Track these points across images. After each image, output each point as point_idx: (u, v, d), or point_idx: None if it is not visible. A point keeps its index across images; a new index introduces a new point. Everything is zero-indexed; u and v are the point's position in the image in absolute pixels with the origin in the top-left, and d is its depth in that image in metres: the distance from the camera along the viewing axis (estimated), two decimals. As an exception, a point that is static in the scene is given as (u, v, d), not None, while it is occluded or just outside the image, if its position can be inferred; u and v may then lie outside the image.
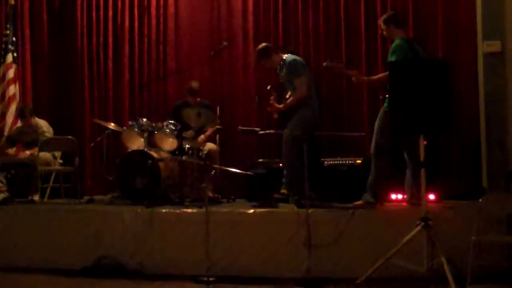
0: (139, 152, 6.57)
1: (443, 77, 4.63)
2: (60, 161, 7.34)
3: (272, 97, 6.42)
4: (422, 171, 4.65)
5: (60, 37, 8.51)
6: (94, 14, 8.35)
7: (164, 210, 5.74)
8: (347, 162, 6.40)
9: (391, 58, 5.42)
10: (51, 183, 7.33)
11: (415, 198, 5.46)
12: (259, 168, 6.79)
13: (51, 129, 7.34)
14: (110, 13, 8.29)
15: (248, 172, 6.35)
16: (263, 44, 6.56)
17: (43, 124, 7.31)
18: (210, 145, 6.94)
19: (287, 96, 6.35)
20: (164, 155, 6.68)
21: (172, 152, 6.76)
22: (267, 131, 6.94)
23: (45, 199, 7.12)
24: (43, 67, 8.51)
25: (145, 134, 6.74)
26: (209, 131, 7.02)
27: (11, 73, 8.10)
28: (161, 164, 6.41)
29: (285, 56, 6.39)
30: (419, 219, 4.54)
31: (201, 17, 8.02)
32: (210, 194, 6.37)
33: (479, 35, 6.66)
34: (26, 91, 8.42)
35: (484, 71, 6.58)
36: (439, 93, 4.55)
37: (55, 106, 8.41)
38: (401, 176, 5.87)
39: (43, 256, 5.79)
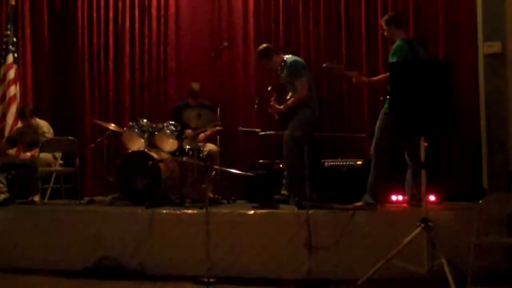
0: (140, 153, 6.58)
1: (444, 78, 4.63)
2: (61, 161, 7.35)
3: (272, 98, 6.41)
4: (423, 172, 4.65)
5: (60, 38, 8.52)
6: (94, 14, 8.36)
7: (164, 211, 5.74)
8: (347, 163, 6.39)
9: (392, 59, 5.42)
10: (51, 184, 7.33)
11: (416, 199, 5.46)
12: (260, 169, 6.78)
13: (51, 130, 7.35)
14: (111, 14, 8.30)
15: (249, 173, 6.35)
16: (264, 45, 6.56)
17: (43, 124, 7.32)
18: (210, 146, 6.94)
19: (288, 97, 6.35)
20: (165, 156, 6.69)
21: (172, 153, 6.76)
22: (268, 132, 6.94)
23: (46, 200, 7.12)
24: (44, 68, 8.52)
25: (146, 135, 6.74)
26: (209, 131, 7.03)
27: (11, 74, 8.11)
28: (161, 165, 6.41)
29: (286, 57, 6.39)
30: (419, 220, 4.54)
31: (202, 18, 8.03)
32: (211, 195, 6.37)
33: (480, 36, 6.66)
34: (26, 92, 8.42)
35: (485, 72, 6.58)
36: (439, 94, 4.55)
37: (56, 107, 8.42)
38: (401, 177, 5.87)
39: (44, 257, 5.79)
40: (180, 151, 6.64)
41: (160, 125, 6.81)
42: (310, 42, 7.49)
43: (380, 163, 5.55)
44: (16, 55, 8.22)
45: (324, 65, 5.93)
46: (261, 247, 5.35)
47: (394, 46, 5.55)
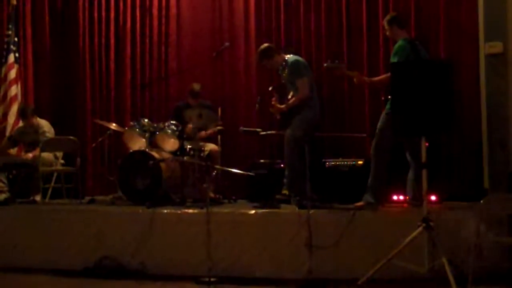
0: (141, 153, 6.58)
1: (445, 78, 4.62)
2: (62, 161, 7.35)
3: (274, 98, 6.41)
4: (424, 172, 4.64)
5: (62, 38, 8.54)
6: (96, 14, 8.38)
7: (165, 211, 5.74)
8: (348, 163, 6.39)
9: (394, 59, 5.42)
10: (52, 184, 7.34)
11: (417, 199, 5.46)
12: (261, 169, 6.79)
13: (52, 130, 7.35)
14: (112, 14, 8.31)
15: (250, 173, 6.35)
16: (265, 44, 6.56)
17: (44, 124, 7.32)
18: (211, 146, 6.94)
19: (289, 96, 6.34)
20: (166, 155, 6.69)
21: (173, 153, 6.77)
22: (269, 132, 6.94)
23: (47, 200, 7.13)
24: (45, 68, 8.54)
25: (147, 135, 6.74)
26: (210, 131, 7.03)
27: (13, 74, 8.14)
28: (162, 165, 6.41)
29: (287, 57, 6.39)
30: (420, 220, 4.53)
31: (203, 18, 8.04)
32: (212, 195, 6.37)
33: (481, 36, 6.66)
34: (28, 92, 8.45)
35: (486, 72, 6.57)
36: (441, 94, 4.55)
37: (57, 107, 8.44)
38: (402, 177, 5.86)
39: (44, 257, 5.79)
40: (181, 150, 6.64)
41: (161, 125, 6.81)
42: (311, 42, 7.49)
43: (381, 162, 5.54)
44: (17, 55, 8.24)
45: (325, 64, 5.93)
46: (262, 247, 5.35)
47: (396, 46, 5.56)
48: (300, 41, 7.51)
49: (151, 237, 5.57)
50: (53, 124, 7.49)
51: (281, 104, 6.35)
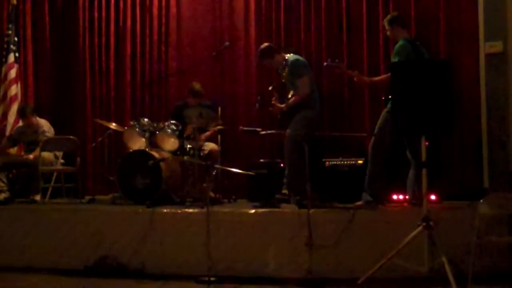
0: (141, 152, 6.57)
1: (445, 77, 4.62)
2: (62, 161, 7.36)
3: (274, 98, 6.42)
4: (424, 171, 4.64)
5: (61, 37, 8.54)
6: (96, 14, 8.38)
7: (165, 210, 5.74)
8: (348, 162, 6.38)
9: (395, 59, 5.42)
10: (52, 183, 7.35)
11: (417, 198, 5.46)
12: (261, 168, 6.78)
13: (52, 129, 7.35)
14: (112, 14, 8.32)
15: (250, 172, 6.34)
16: (266, 44, 6.57)
17: (44, 123, 7.32)
18: (211, 145, 6.94)
19: (289, 96, 6.35)
20: (166, 155, 6.68)
21: (173, 152, 6.76)
22: (269, 131, 6.92)
23: (47, 199, 7.13)
24: (45, 67, 8.54)
25: (147, 134, 6.74)
26: (210, 132, 7.02)
27: (13, 73, 8.15)
28: (162, 164, 6.40)
29: (287, 56, 6.39)
30: (420, 220, 4.53)
31: (203, 17, 8.04)
32: (212, 194, 6.38)
33: (481, 36, 6.66)
34: (27, 91, 8.45)
35: (486, 71, 6.57)
36: (441, 94, 4.55)
37: (57, 106, 8.45)
38: (402, 176, 5.87)
39: (44, 256, 5.79)
40: (181, 150, 6.64)
41: (161, 125, 6.81)
42: (311, 41, 7.49)
43: (379, 161, 5.56)
44: (17, 54, 8.25)
45: (325, 63, 5.94)
46: (262, 246, 5.35)
47: (397, 46, 5.56)
48: (300, 41, 7.51)
49: (151, 236, 5.57)
50: (53, 123, 7.50)
51: (281, 103, 6.36)
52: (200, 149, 6.65)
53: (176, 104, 7.35)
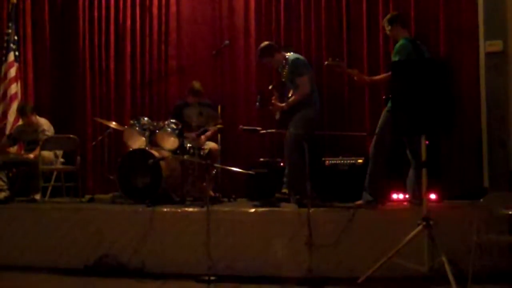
0: (141, 151, 6.58)
1: (445, 76, 4.62)
2: (62, 160, 7.36)
3: (274, 97, 6.41)
4: (423, 171, 4.64)
5: (61, 36, 8.53)
6: (96, 13, 8.37)
7: (165, 209, 5.74)
8: (348, 161, 6.38)
9: (395, 58, 5.42)
10: (52, 182, 7.35)
11: (417, 197, 5.46)
12: (261, 167, 6.79)
13: (51, 128, 7.35)
14: (112, 13, 8.31)
15: (250, 171, 6.34)
16: (266, 42, 6.57)
17: (44, 122, 7.32)
18: (211, 144, 6.94)
19: (289, 95, 6.34)
20: (166, 154, 6.68)
21: (173, 151, 6.76)
22: (269, 130, 6.92)
23: (47, 198, 7.13)
24: (45, 66, 8.54)
25: (147, 133, 6.74)
26: (210, 132, 7.02)
27: (12, 72, 8.14)
28: (162, 163, 6.40)
29: (287, 55, 6.39)
30: (420, 219, 4.54)
31: (203, 16, 8.02)
32: (211, 193, 6.39)
33: (481, 35, 6.65)
34: (27, 90, 8.45)
35: (486, 70, 6.57)
36: (441, 93, 4.54)
37: (57, 105, 8.44)
38: (403, 175, 5.87)
39: (44, 255, 5.79)
40: (181, 149, 6.63)
41: (161, 124, 6.81)
42: (311, 40, 7.48)
43: (380, 160, 5.55)
44: (17, 53, 8.24)
45: (326, 62, 5.94)
46: (261, 246, 5.35)
47: (398, 45, 5.55)
48: (300, 40, 7.50)
49: (151, 235, 5.58)
50: (53, 122, 7.49)
51: (281, 102, 6.35)
52: (200, 148, 6.65)
53: (176, 103, 7.35)
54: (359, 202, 5.58)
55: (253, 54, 7.49)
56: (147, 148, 6.62)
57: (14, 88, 8.11)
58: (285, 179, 6.24)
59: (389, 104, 5.48)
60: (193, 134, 6.69)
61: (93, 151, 8.12)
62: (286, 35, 7.60)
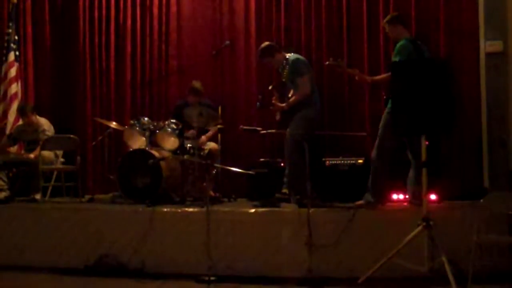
0: (141, 151, 6.58)
1: (446, 77, 4.62)
2: (62, 160, 7.36)
3: (274, 97, 6.41)
4: (423, 171, 4.64)
5: (62, 36, 8.52)
6: (96, 13, 8.36)
7: (165, 209, 5.74)
8: (348, 161, 6.38)
9: (395, 58, 5.41)
10: (52, 182, 7.35)
11: (417, 198, 5.46)
12: (261, 168, 6.78)
13: (52, 128, 7.35)
14: (112, 12, 8.29)
15: (250, 172, 6.34)
16: (267, 42, 6.57)
17: (44, 122, 7.32)
18: (211, 144, 6.94)
19: (290, 95, 6.34)
20: (166, 154, 6.68)
21: (173, 151, 6.76)
22: (269, 131, 6.93)
23: (47, 198, 7.13)
24: (45, 66, 8.53)
25: (147, 133, 6.74)
26: (211, 132, 7.02)
27: (13, 72, 8.13)
28: (162, 163, 6.41)
29: (288, 55, 6.39)
30: (420, 219, 4.54)
31: (203, 17, 8.02)
32: (211, 193, 6.38)
33: (481, 35, 6.65)
34: (28, 90, 8.44)
35: (486, 71, 6.56)
36: (441, 93, 4.55)
37: (57, 105, 8.43)
38: (403, 176, 5.86)
39: (44, 255, 5.80)
40: (181, 149, 6.64)
41: (161, 124, 6.81)
42: (312, 41, 7.47)
43: (383, 162, 5.54)
44: (17, 53, 8.23)
45: (327, 62, 5.94)
46: (261, 246, 5.35)
47: (398, 45, 5.55)
48: (301, 40, 7.49)
49: (151, 235, 5.58)
50: (53, 122, 7.49)
51: (281, 102, 6.35)
52: (200, 148, 6.65)
53: (177, 103, 7.34)
54: (359, 202, 5.58)
55: (254, 55, 7.49)
56: (147, 148, 6.62)
57: (15, 88, 8.11)
58: (285, 179, 6.24)
59: (389, 105, 5.47)
60: (193, 131, 6.69)
61: (93, 151, 8.11)
62: (286, 36, 7.59)
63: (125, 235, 5.64)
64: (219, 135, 6.86)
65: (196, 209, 5.64)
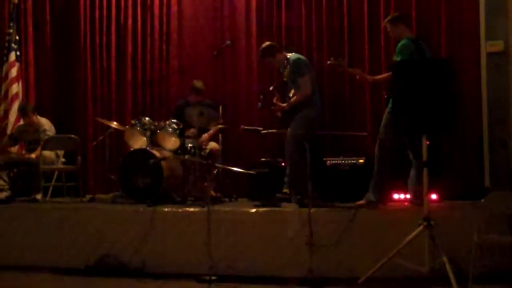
0: (142, 151, 6.58)
1: (447, 76, 4.61)
2: (63, 160, 7.36)
3: (275, 97, 6.41)
4: (424, 171, 4.64)
5: (63, 36, 8.52)
6: (97, 13, 8.36)
7: (166, 209, 5.74)
8: (349, 161, 6.38)
9: (397, 58, 5.41)
10: (53, 182, 7.35)
11: (418, 198, 5.45)
12: (262, 167, 6.79)
13: (53, 128, 7.35)
14: (113, 12, 8.30)
15: (251, 171, 6.34)
16: (268, 42, 6.56)
17: (45, 122, 7.32)
18: (212, 144, 6.94)
19: (291, 95, 6.34)
20: (167, 154, 6.68)
21: (174, 151, 6.76)
22: (270, 130, 6.94)
23: (48, 198, 7.13)
24: (46, 66, 8.53)
25: (148, 133, 6.74)
26: (212, 130, 7.02)
27: (14, 72, 8.13)
28: (163, 163, 6.40)
29: (289, 55, 6.39)
30: (421, 219, 4.54)
31: (204, 16, 8.02)
32: (212, 193, 6.38)
33: (482, 35, 6.65)
34: (29, 90, 8.44)
35: (487, 70, 6.57)
36: (442, 93, 4.54)
37: (58, 105, 8.43)
38: (404, 175, 5.86)
39: (45, 255, 5.80)
40: (182, 149, 6.64)
41: (162, 123, 6.80)
42: (313, 41, 7.47)
43: (384, 162, 5.54)
44: (18, 53, 8.23)
45: (328, 62, 5.94)
46: (262, 246, 5.35)
47: (400, 44, 5.54)
48: (302, 40, 7.50)
49: (152, 235, 5.58)
50: (54, 122, 7.48)
51: (282, 102, 6.35)
52: (201, 148, 6.65)
53: (178, 103, 7.34)
54: (360, 202, 5.57)
55: (255, 54, 7.49)
56: (148, 148, 6.62)
57: (15, 88, 8.11)
58: (286, 179, 6.23)
59: (389, 105, 5.47)
60: (193, 130, 6.68)
61: (94, 151, 8.12)
62: (287, 35, 7.60)
63: (126, 235, 5.64)
64: (220, 135, 6.86)
65: (197, 209, 5.64)
